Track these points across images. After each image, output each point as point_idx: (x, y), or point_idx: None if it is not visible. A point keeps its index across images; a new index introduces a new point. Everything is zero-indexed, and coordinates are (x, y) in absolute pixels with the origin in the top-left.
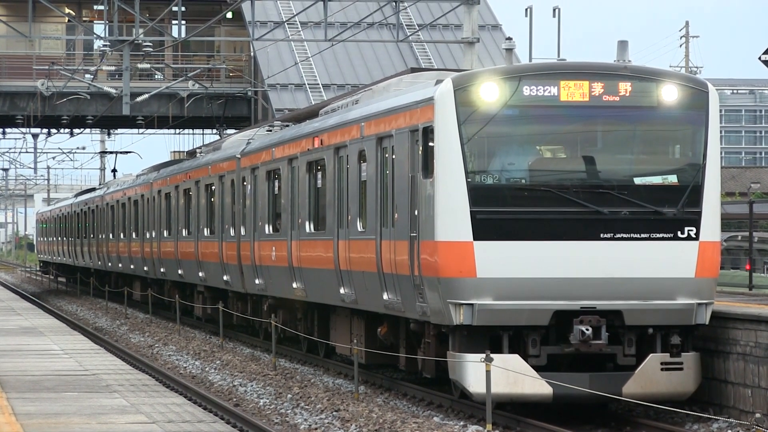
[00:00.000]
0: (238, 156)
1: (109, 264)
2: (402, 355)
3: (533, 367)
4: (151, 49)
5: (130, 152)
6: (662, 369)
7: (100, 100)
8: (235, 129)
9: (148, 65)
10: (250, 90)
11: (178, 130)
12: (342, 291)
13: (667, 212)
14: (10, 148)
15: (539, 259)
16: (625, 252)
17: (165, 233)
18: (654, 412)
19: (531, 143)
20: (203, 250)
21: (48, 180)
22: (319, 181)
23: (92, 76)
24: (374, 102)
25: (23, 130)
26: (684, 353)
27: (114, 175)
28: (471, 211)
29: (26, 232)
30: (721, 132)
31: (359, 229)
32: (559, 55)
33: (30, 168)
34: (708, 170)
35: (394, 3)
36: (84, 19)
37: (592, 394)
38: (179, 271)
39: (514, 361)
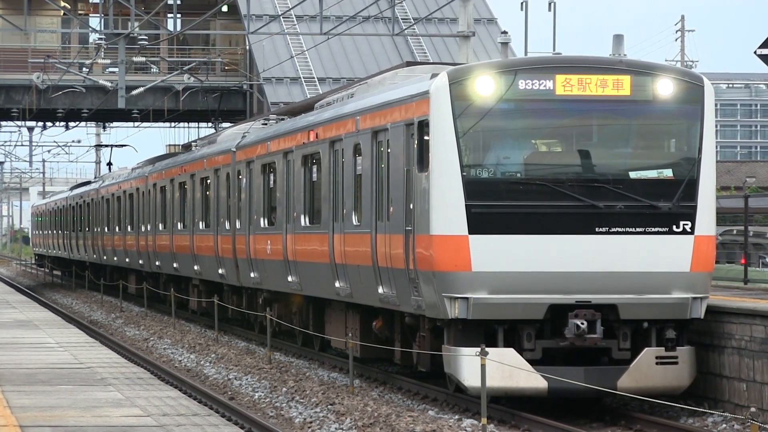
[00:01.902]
0: (234, 149)
1: (105, 257)
2: (397, 348)
3: (528, 361)
4: (146, 43)
5: (125, 145)
6: (657, 363)
7: (95, 94)
8: (231, 122)
9: (144, 59)
10: (245, 83)
11: (173, 124)
12: (337, 285)
13: (663, 206)
14: (5, 141)
15: (534, 253)
16: (621, 246)
17: (160, 227)
18: (649, 406)
19: (526, 137)
20: (198, 243)
21: (43, 173)
22: (315, 175)
23: (88, 70)
24: (369, 96)
25: (18, 123)
26: (679, 347)
27: (109, 169)
28: (466, 205)
29: (21, 226)
30: (716, 126)
31: (354, 223)
32: (554, 49)
33: (25, 161)
34: (703, 164)
35: None
36: (79, 12)
37: (587, 388)
38: (174, 265)
39: (509, 354)
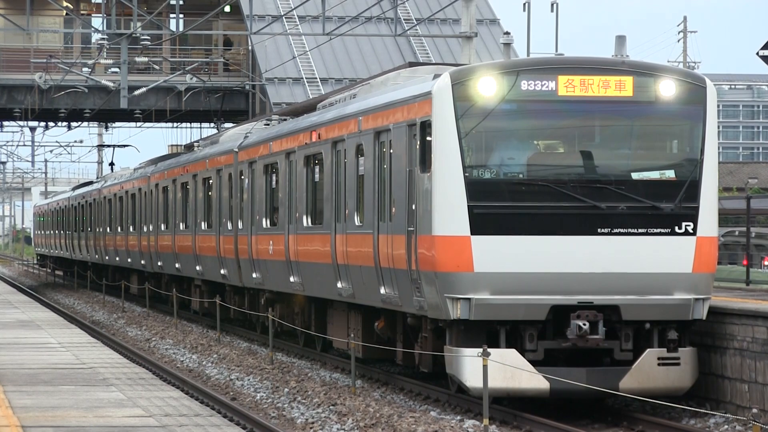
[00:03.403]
0: (236, 150)
1: (107, 257)
2: (399, 349)
3: (530, 361)
4: (149, 43)
5: (127, 146)
6: (659, 364)
7: (97, 94)
8: (233, 123)
9: (146, 59)
10: (248, 84)
11: (175, 124)
12: (339, 285)
13: (665, 207)
14: (7, 141)
15: (536, 254)
16: (623, 247)
17: (162, 227)
18: (651, 407)
19: (529, 138)
20: (200, 243)
21: (45, 173)
22: (317, 175)
23: (90, 70)
24: (372, 96)
25: (21, 123)
26: (681, 348)
27: (111, 169)
28: (468, 206)
29: (24, 226)
30: (718, 127)
31: (357, 224)
32: (556, 50)
33: (27, 161)
34: (705, 165)
35: None
36: (82, 12)
37: (589, 388)
38: (176, 265)
39: (511, 355)
